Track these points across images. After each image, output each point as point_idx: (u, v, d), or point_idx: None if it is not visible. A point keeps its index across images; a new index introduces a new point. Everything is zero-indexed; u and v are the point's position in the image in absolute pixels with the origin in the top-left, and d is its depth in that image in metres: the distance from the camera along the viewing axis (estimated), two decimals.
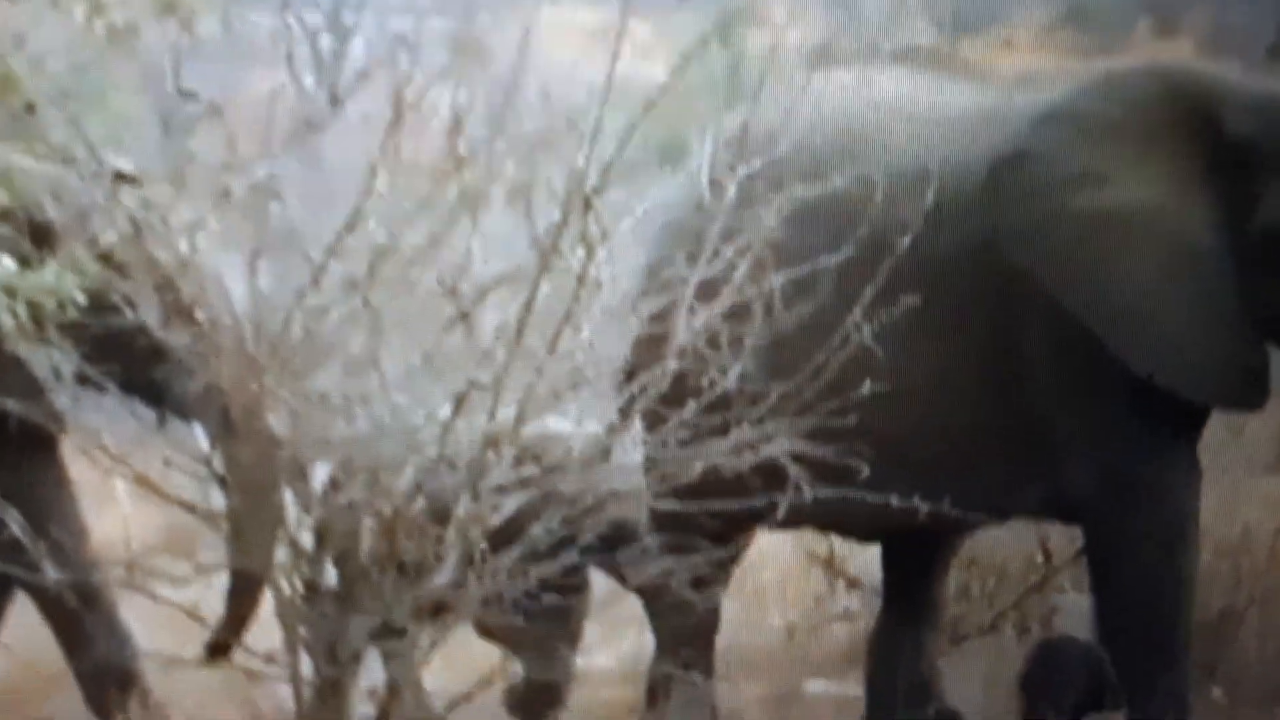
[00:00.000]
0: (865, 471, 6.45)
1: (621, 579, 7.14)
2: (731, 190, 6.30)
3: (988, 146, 6.73)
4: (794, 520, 6.72)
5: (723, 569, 7.03)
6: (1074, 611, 8.02)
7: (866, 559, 7.95)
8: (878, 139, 6.85)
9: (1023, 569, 8.15)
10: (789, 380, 6.35)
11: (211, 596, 6.38)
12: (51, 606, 6.71)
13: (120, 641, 6.86)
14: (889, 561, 7.51)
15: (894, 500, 6.52)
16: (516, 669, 7.19)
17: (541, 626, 6.76)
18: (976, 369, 6.75)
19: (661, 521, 6.63)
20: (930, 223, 6.54)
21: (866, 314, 6.35)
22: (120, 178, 6.19)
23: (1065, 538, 7.88)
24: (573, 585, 6.67)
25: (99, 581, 6.58)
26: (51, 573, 6.17)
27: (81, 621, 6.70)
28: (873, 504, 6.51)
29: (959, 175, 6.70)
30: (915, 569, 7.42)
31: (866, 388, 6.33)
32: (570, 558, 6.20)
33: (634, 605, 7.38)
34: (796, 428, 6.32)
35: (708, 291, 6.27)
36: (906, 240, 6.44)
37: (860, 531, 7.37)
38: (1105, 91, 6.75)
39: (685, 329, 6.19)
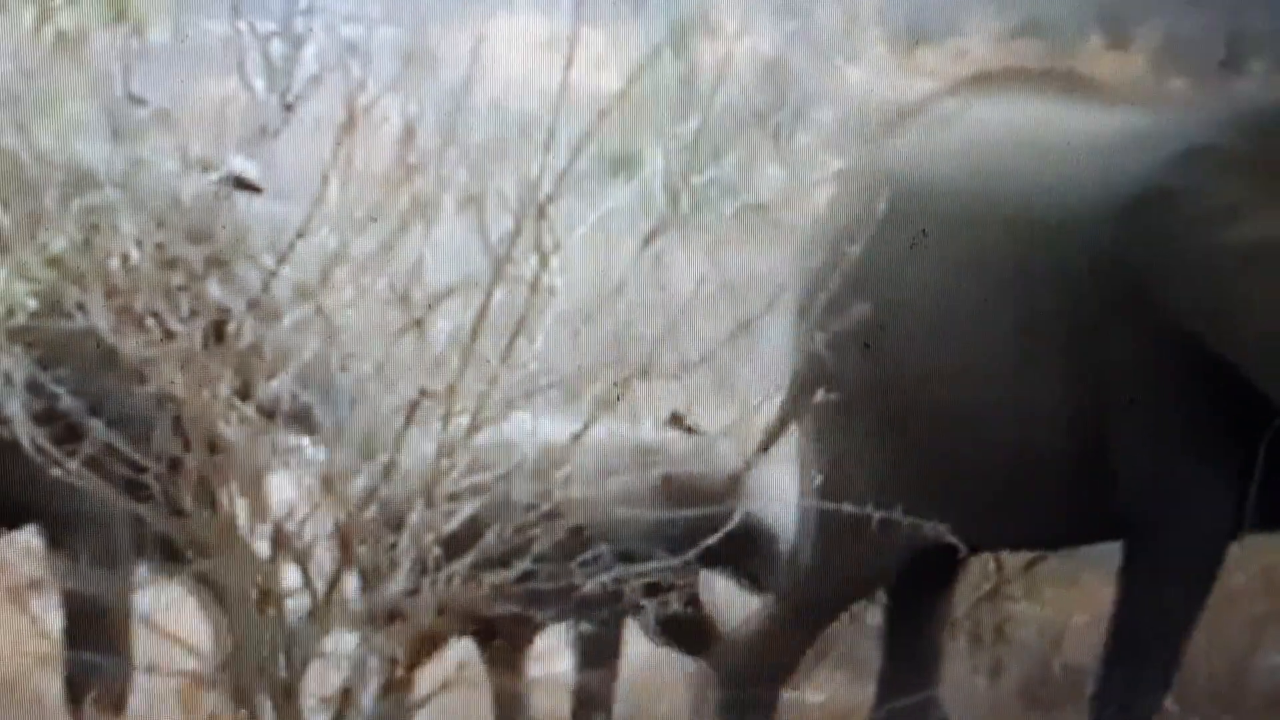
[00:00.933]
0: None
1: None
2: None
3: (1122, 177, 6.83)
4: None
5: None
6: (1025, 621, 8.07)
7: None
8: (1006, 167, 6.99)
9: (975, 578, 8.17)
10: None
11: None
12: (76, 603, 6.75)
13: (123, 658, 6.88)
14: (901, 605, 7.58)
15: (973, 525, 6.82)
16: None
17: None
18: (1063, 393, 6.90)
19: None
20: (1050, 248, 6.79)
21: (979, 338, 6.75)
22: (240, 184, 6.24)
23: None
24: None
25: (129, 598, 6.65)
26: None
27: (98, 626, 6.73)
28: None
29: (1089, 202, 6.84)
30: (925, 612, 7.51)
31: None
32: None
33: None
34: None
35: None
36: (1029, 265, 6.79)
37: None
38: (1245, 125, 6.85)
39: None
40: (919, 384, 6.94)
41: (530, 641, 7.72)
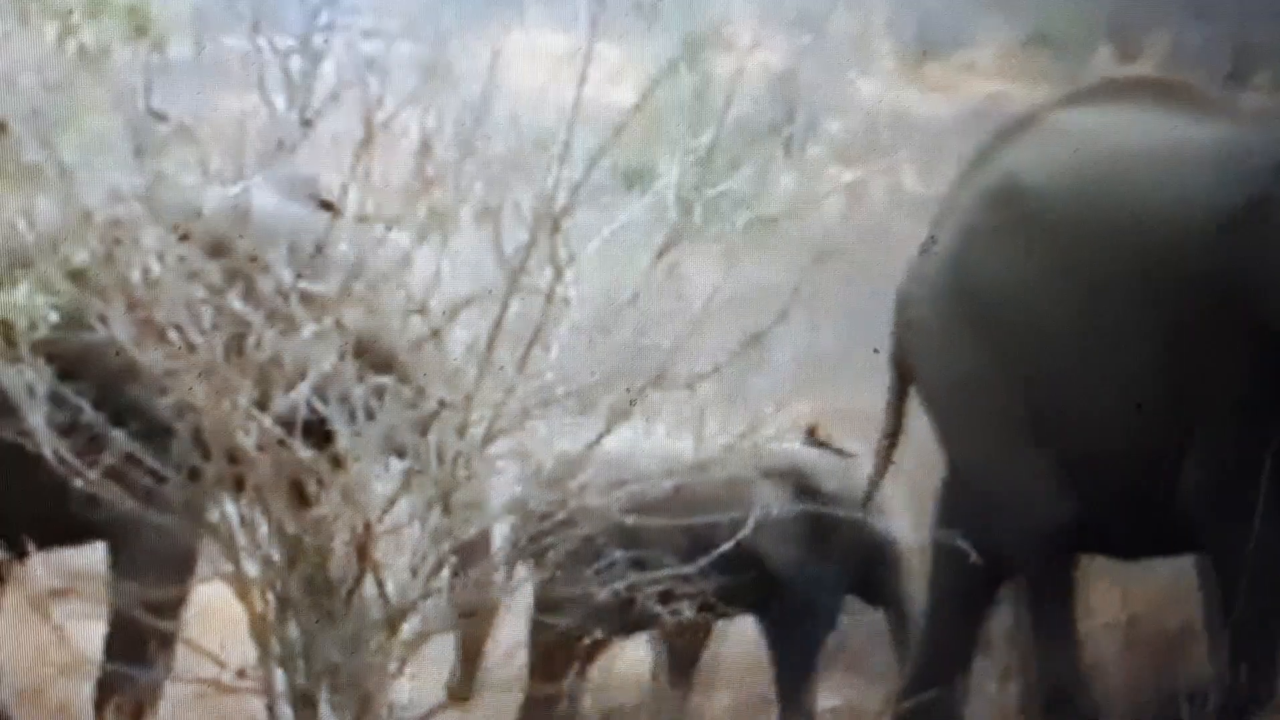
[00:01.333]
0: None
1: None
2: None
3: (1226, 186, 6.88)
4: None
5: None
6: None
7: None
8: (1115, 176, 7.06)
9: None
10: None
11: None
12: (123, 616, 6.75)
13: (160, 668, 6.90)
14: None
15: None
16: None
17: None
18: (1155, 398, 6.97)
19: None
20: (1156, 257, 6.87)
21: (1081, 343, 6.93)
22: (325, 206, 6.32)
23: None
24: None
25: (178, 612, 6.69)
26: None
27: (142, 641, 6.75)
28: None
29: (1195, 211, 6.88)
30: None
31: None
32: None
33: None
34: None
35: None
36: (1135, 273, 6.88)
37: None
38: None
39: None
40: (1025, 385, 7.06)
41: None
